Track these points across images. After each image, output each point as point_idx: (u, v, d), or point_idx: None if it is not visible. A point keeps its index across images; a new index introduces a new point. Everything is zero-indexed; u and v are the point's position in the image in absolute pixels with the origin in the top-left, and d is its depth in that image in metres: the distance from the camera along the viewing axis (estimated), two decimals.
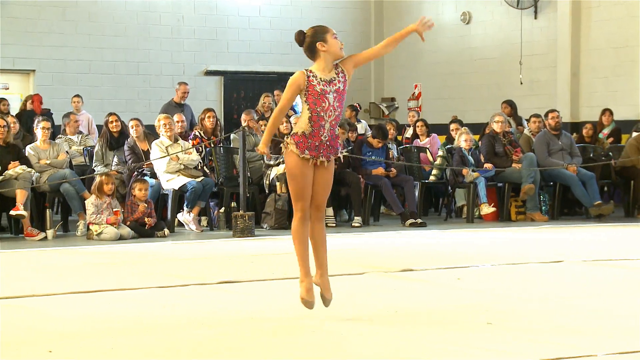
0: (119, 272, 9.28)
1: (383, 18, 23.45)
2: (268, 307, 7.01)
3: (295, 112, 16.63)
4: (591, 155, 16.04)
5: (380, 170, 14.36)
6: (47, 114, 16.98)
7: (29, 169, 12.68)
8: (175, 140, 13.57)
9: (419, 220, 13.98)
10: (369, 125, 18.67)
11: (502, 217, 14.81)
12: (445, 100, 21.99)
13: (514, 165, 14.84)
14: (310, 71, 6.43)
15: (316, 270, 6.53)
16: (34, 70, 20.32)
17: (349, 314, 6.63)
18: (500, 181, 15.00)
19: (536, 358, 5.33)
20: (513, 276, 8.73)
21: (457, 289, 7.87)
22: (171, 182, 13.32)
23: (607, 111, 17.72)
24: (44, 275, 9.14)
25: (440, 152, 15.50)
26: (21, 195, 12.30)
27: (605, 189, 16.26)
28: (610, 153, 16.08)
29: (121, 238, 12.24)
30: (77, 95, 18.30)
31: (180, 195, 13.37)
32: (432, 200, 16.96)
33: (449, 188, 15.29)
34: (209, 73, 21.81)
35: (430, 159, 16.07)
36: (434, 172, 15.57)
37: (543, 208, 14.98)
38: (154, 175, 13.51)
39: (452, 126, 16.41)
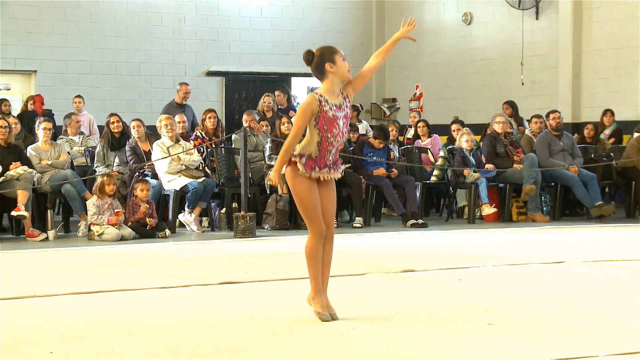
0: (120, 272, 9.29)
1: (384, 18, 23.46)
2: (269, 308, 7.01)
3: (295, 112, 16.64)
4: (592, 155, 16.04)
5: (381, 171, 14.37)
6: (49, 115, 17.01)
7: (31, 170, 12.69)
8: (177, 141, 13.58)
9: (420, 221, 13.99)
10: (370, 126, 18.67)
11: (503, 217, 14.81)
12: (447, 100, 22.01)
13: (515, 165, 14.84)
14: (321, 95, 6.39)
15: None
16: (35, 71, 20.34)
17: (350, 315, 6.62)
18: (501, 182, 15.00)
19: (537, 358, 5.34)
20: (514, 277, 8.73)
21: (458, 290, 7.87)
22: (172, 183, 13.32)
23: (608, 112, 17.72)
24: (45, 276, 9.14)
25: (441, 153, 15.50)
26: (22, 196, 12.31)
27: (607, 189, 16.26)
28: (612, 154, 16.08)
29: (122, 239, 12.25)
30: (79, 96, 18.31)
31: (182, 195, 13.38)
32: (434, 201, 16.96)
33: (450, 189, 15.29)
34: (211, 74, 21.82)
35: (432, 159, 16.07)
36: (435, 172, 15.57)
37: (544, 209, 14.98)
38: (155, 175, 13.51)
39: (454, 127, 16.41)
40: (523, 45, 20.32)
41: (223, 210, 13.71)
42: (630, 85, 18.81)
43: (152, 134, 14.13)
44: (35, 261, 10.46)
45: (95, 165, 14.16)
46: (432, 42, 22.41)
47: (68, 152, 13.94)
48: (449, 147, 15.55)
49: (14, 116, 16.26)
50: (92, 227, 12.33)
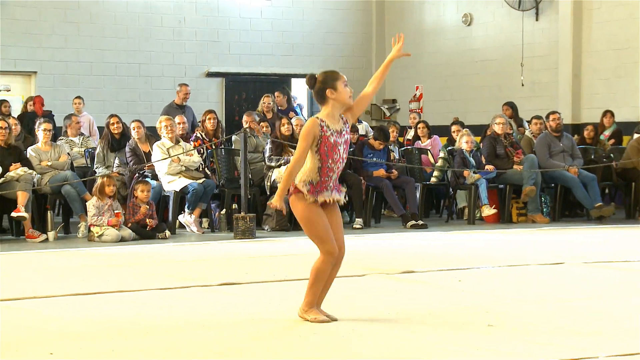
0: (120, 273, 9.29)
1: (384, 19, 23.47)
2: (269, 309, 7.01)
3: (296, 114, 16.67)
4: (592, 157, 16.04)
5: (381, 172, 14.37)
6: (49, 116, 17.00)
7: (30, 171, 12.69)
8: (177, 142, 13.58)
9: (420, 222, 13.99)
10: (371, 127, 18.68)
11: (503, 218, 14.81)
12: (447, 101, 22.01)
13: (515, 166, 14.85)
14: (322, 120, 6.37)
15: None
16: (35, 72, 20.35)
17: (350, 316, 6.63)
18: (501, 183, 15.00)
19: (536, 359, 5.35)
20: (514, 278, 8.74)
21: (458, 291, 7.88)
22: (172, 184, 13.33)
23: (608, 113, 17.72)
24: (45, 277, 9.15)
25: (441, 154, 15.51)
26: (22, 197, 12.31)
27: (607, 190, 16.26)
28: (612, 155, 16.08)
29: (122, 240, 12.25)
30: (78, 97, 18.32)
31: (182, 197, 13.39)
32: (434, 202, 16.97)
33: (450, 190, 15.29)
34: (211, 75, 21.83)
35: (432, 160, 16.08)
36: (435, 173, 15.57)
37: (544, 210, 14.98)
38: (155, 177, 13.52)
39: (454, 128, 16.41)
40: (523, 46, 20.33)
41: (223, 212, 13.71)
42: (630, 86, 18.82)
43: (152, 135, 14.14)
44: (35, 262, 10.47)
45: (95, 166, 14.17)
46: (432, 43, 22.42)
47: (68, 153, 13.94)
48: (449, 148, 15.55)
49: (14, 117, 16.26)
50: (92, 228, 12.33)
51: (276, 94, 17.85)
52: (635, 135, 16.03)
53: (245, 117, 15.09)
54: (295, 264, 9.42)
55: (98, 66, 20.72)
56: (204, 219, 13.80)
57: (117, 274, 9.27)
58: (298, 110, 17.30)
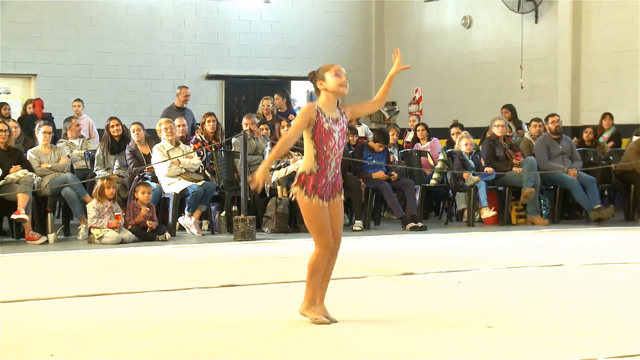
0: (120, 275, 9.29)
1: (384, 22, 23.49)
2: (269, 310, 7.02)
3: (296, 116, 16.65)
4: (591, 159, 16.04)
5: (380, 174, 14.37)
6: (49, 118, 17.02)
7: (31, 173, 12.69)
8: (177, 144, 13.59)
9: (420, 224, 13.99)
10: (370, 129, 18.68)
11: (502, 220, 14.82)
12: (446, 104, 22.02)
13: (514, 169, 14.86)
14: (319, 107, 6.45)
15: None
16: (35, 75, 20.37)
17: (350, 317, 6.63)
18: (500, 185, 15.00)
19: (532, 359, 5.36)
20: (513, 279, 8.75)
21: (458, 292, 7.88)
22: (172, 186, 13.33)
23: (607, 115, 17.75)
24: (45, 279, 9.15)
25: (440, 156, 15.51)
26: (22, 199, 12.31)
27: (606, 192, 16.27)
28: (611, 157, 16.10)
29: (122, 242, 12.25)
30: (78, 100, 18.32)
31: (182, 199, 13.38)
32: (433, 204, 16.97)
33: (450, 192, 15.31)
34: (210, 77, 21.85)
35: (431, 162, 16.08)
36: (435, 175, 15.57)
37: (543, 212, 14.99)
38: (155, 179, 13.52)
39: (453, 130, 16.42)
40: (522, 48, 20.35)
41: (223, 214, 13.72)
42: (629, 89, 18.83)
43: (152, 137, 14.14)
44: (35, 264, 10.47)
45: (95, 168, 14.16)
46: (432, 45, 22.44)
47: (68, 156, 13.94)
48: (449, 150, 15.55)
49: (14, 120, 16.27)
50: (92, 230, 12.33)
51: (276, 96, 17.86)
52: (634, 138, 16.04)
53: (245, 120, 15.09)
54: (295, 265, 9.42)
55: (98, 69, 20.74)
56: (204, 221, 13.80)
57: (117, 275, 9.27)
58: (297, 112, 17.28)
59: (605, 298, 7.62)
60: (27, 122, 17.53)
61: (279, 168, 13.82)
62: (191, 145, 14.25)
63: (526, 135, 16.54)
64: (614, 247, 11.71)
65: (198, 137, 14.65)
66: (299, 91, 22.45)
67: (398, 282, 8.49)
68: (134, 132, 13.88)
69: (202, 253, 11.53)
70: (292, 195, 6.51)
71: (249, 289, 8.22)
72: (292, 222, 13.62)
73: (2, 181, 12.48)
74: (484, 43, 21.46)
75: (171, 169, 13.33)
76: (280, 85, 21.32)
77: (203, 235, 13.34)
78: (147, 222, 12.59)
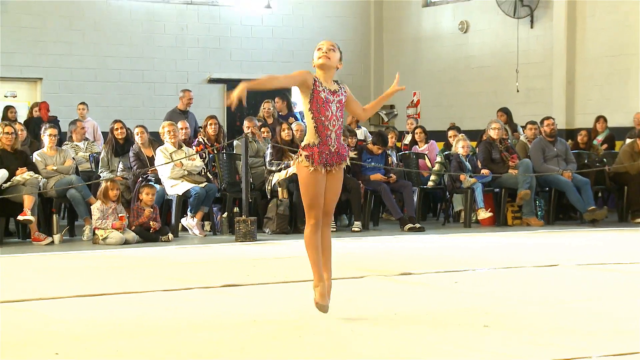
0: (124, 275, 9.28)
1: (383, 27, 23.48)
2: (270, 310, 7.01)
3: (296, 119, 16.66)
4: (586, 161, 16.05)
5: (378, 176, 14.37)
6: (54, 121, 16.99)
7: (36, 175, 12.69)
8: (179, 147, 13.59)
9: (418, 225, 13.99)
10: (370, 132, 18.67)
11: (498, 222, 14.81)
12: (444, 107, 22.02)
13: (510, 171, 14.85)
14: (316, 77, 6.55)
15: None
16: (41, 79, 20.37)
17: (350, 316, 6.63)
18: (497, 187, 15.00)
19: (532, 359, 5.35)
20: (509, 279, 8.74)
21: (455, 292, 7.87)
22: (175, 188, 13.33)
23: (601, 118, 17.75)
24: (50, 279, 9.14)
25: (438, 159, 15.51)
26: (28, 201, 12.31)
27: (600, 194, 16.26)
28: (604, 159, 16.09)
29: (126, 242, 12.24)
30: (83, 103, 18.31)
31: (184, 200, 13.38)
32: (431, 206, 16.96)
33: (447, 193, 15.30)
34: (212, 81, 21.84)
35: (429, 165, 16.08)
36: (432, 177, 15.57)
37: (539, 213, 14.98)
38: (158, 181, 13.51)
39: (450, 133, 16.43)
40: (518, 53, 20.35)
41: (225, 215, 13.71)
42: (622, 93, 18.84)
43: (155, 140, 14.14)
44: (41, 264, 10.47)
45: (99, 170, 14.17)
46: (430, 49, 22.44)
47: (73, 158, 13.93)
48: (446, 152, 15.56)
49: (20, 123, 16.27)
50: (96, 231, 12.33)
51: (276, 99, 17.84)
52: (628, 140, 16.05)
53: (246, 123, 15.08)
54: (295, 266, 9.42)
55: (102, 73, 20.73)
56: (206, 222, 13.80)
57: (120, 276, 9.26)
58: (298, 115, 17.29)
59: (600, 298, 7.61)
60: (33, 125, 17.53)
61: (279, 170, 13.82)
62: (194, 147, 14.24)
63: (522, 137, 16.54)
64: (607, 247, 11.71)
65: (200, 140, 14.64)
66: (299, 94, 22.40)
67: (396, 282, 8.49)
68: (137, 134, 13.88)
69: (204, 253, 11.52)
70: (298, 157, 6.53)
71: (250, 288, 8.21)
72: (292, 223, 13.62)
73: (9, 183, 12.47)
74: (480, 47, 21.46)
75: (174, 171, 13.33)
76: (280, 89, 21.30)
77: (205, 236, 13.33)
78: (151, 223, 12.58)
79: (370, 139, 15.84)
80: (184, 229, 13.53)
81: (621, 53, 18.88)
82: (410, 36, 22.80)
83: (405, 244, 12.32)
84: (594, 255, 10.45)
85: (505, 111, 18.01)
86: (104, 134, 16.37)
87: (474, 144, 16.00)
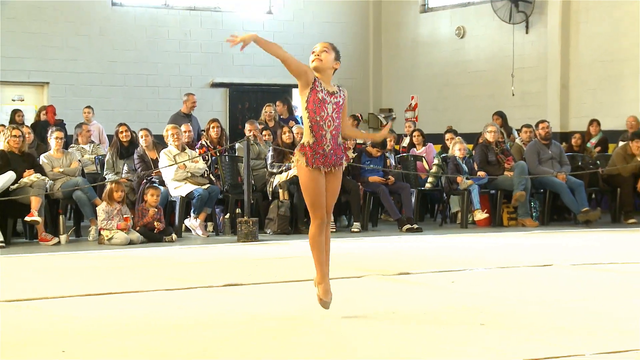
0: (129, 275, 9.28)
1: (381, 32, 23.48)
2: (271, 309, 7.01)
3: (297, 123, 16.67)
4: (579, 163, 16.05)
5: (377, 178, 14.37)
6: (61, 125, 17.00)
7: (43, 177, 12.69)
8: (183, 149, 13.59)
9: (415, 226, 13.99)
10: None
11: (494, 222, 14.81)
12: (441, 111, 22.02)
13: (506, 173, 14.85)
14: (316, 76, 6.58)
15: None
16: (47, 83, 20.37)
17: (349, 315, 6.63)
18: (492, 188, 15.00)
19: (528, 356, 5.33)
20: (505, 279, 8.73)
21: (452, 292, 7.87)
22: (179, 190, 13.33)
23: (594, 122, 17.76)
24: (57, 278, 9.14)
25: (435, 161, 15.52)
26: (35, 202, 12.31)
27: (593, 196, 16.26)
28: (598, 162, 16.11)
29: (131, 243, 12.25)
30: (88, 107, 18.30)
31: (188, 201, 13.38)
32: (428, 207, 16.96)
33: (444, 195, 15.31)
34: (215, 85, 21.84)
35: (426, 167, 16.08)
36: (430, 179, 15.58)
37: (533, 214, 14.98)
38: (162, 182, 13.52)
39: (447, 136, 16.43)
40: (514, 57, 20.35)
41: (227, 216, 13.72)
42: (615, 97, 18.84)
43: (159, 142, 14.14)
44: (47, 264, 10.46)
45: (105, 172, 14.17)
46: (427, 54, 22.44)
47: (79, 160, 13.94)
48: (443, 155, 15.56)
49: (27, 126, 16.27)
50: (102, 232, 12.33)
51: (277, 103, 17.85)
52: (621, 143, 16.06)
53: (248, 126, 15.09)
54: (296, 265, 9.42)
55: (107, 77, 20.73)
56: (209, 223, 13.80)
57: (125, 275, 9.27)
58: (299, 119, 17.28)
59: (592, 297, 7.61)
60: (40, 128, 17.52)
61: (280, 172, 13.82)
62: (197, 150, 14.25)
63: (517, 140, 16.54)
64: (601, 248, 11.70)
65: (203, 143, 14.65)
66: (299, 94, 22.41)
67: (395, 282, 8.48)
68: (142, 137, 13.89)
69: (207, 253, 11.52)
70: (294, 161, 6.55)
71: (251, 288, 8.21)
72: (293, 224, 13.62)
73: (16, 185, 12.48)
74: (477, 52, 21.46)
75: (178, 173, 13.33)
76: (282, 92, 21.30)
77: (208, 236, 13.34)
78: (155, 224, 12.59)
79: (369, 142, 15.84)
80: (188, 230, 13.53)
81: (614, 58, 18.88)
82: (408, 41, 22.80)
83: (403, 245, 12.31)
84: (588, 255, 10.45)
85: (500, 115, 18.01)
86: (109, 136, 16.38)
87: (471, 146, 16.01)
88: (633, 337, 5.82)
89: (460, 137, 15.59)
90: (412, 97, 22.67)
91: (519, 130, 16.97)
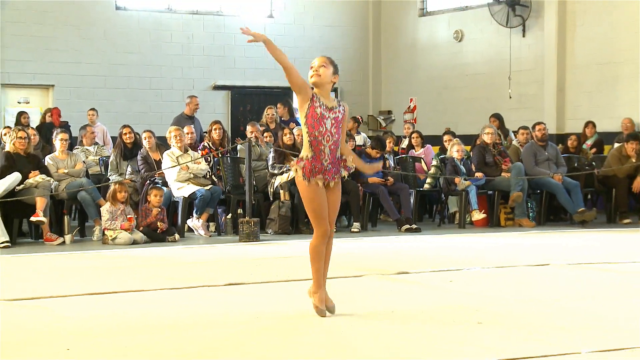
0: (132, 274, 9.28)
1: (380, 36, 23.49)
2: (272, 308, 7.00)
3: (298, 125, 16.67)
4: (575, 164, 16.05)
5: (376, 179, 14.37)
6: (65, 126, 17.02)
7: (48, 178, 12.69)
8: (185, 151, 13.59)
9: (414, 226, 13.98)
10: (368, 137, 18.67)
11: (492, 223, 14.80)
12: (439, 113, 22.02)
13: (503, 174, 14.84)
14: (315, 92, 6.50)
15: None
16: (53, 85, 20.38)
17: (349, 314, 6.62)
18: (490, 189, 14.99)
19: (525, 355, 5.33)
20: (502, 278, 8.73)
21: (450, 291, 7.86)
22: (181, 190, 13.32)
23: (590, 124, 17.76)
24: (61, 278, 9.13)
25: (434, 162, 15.51)
26: (41, 203, 12.31)
27: (589, 196, 16.26)
28: (593, 163, 16.11)
29: (134, 243, 12.25)
30: (93, 109, 18.32)
31: (190, 202, 13.38)
32: (427, 207, 16.95)
33: (442, 195, 15.30)
34: (217, 88, 21.84)
35: (425, 168, 16.08)
36: (428, 180, 15.57)
37: (530, 214, 14.97)
38: (165, 183, 13.51)
39: (445, 137, 16.42)
40: (511, 61, 20.35)
41: (229, 216, 13.71)
42: (611, 99, 18.84)
43: (162, 144, 14.14)
44: (52, 264, 10.46)
45: (108, 173, 14.17)
46: (426, 57, 22.44)
47: (83, 161, 13.93)
48: (441, 156, 15.55)
49: (32, 128, 16.29)
50: (106, 232, 12.33)
51: (278, 105, 17.85)
52: (616, 145, 16.05)
53: (249, 128, 15.09)
54: (297, 265, 9.42)
55: (111, 80, 20.74)
56: (211, 223, 13.79)
57: (129, 274, 9.26)
58: (299, 120, 17.29)
59: (588, 296, 7.60)
60: (45, 130, 17.53)
61: (281, 173, 13.82)
62: (199, 151, 14.25)
63: (514, 142, 16.54)
64: (597, 247, 11.69)
65: (205, 144, 14.65)
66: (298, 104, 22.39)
67: (394, 281, 8.48)
68: (145, 139, 13.89)
69: (209, 253, 11.51)
70: (292, 170, 6.52)
71: (253, 287, 8.20)
72: (294, 224, 13.62)
73: (22, 186, 12.48)
74: (474, 56, 21.46)
75: (180, 174, 13.33)
76: (283, 95, 21.30)
77: (210, 236, 13.33)
78: (158, 224, 12.59)
79: (369, 143, 15.84)
80: (190, 230, 13.53)
81: (609, 61, 18.88)
82: (407, 44, 22.80)
83: (402, 244, 12.31)
84: (584, 255, 10.44)
85: (497, 117, 18.01)
86: (113, 138, 16.37)
87: (468, 148, 16.01)
88: (629, 336, 5.82)
89: (458, 139, 15.58)
90: (411, 100, 22.67)
91: (515, 132, 16.96)
